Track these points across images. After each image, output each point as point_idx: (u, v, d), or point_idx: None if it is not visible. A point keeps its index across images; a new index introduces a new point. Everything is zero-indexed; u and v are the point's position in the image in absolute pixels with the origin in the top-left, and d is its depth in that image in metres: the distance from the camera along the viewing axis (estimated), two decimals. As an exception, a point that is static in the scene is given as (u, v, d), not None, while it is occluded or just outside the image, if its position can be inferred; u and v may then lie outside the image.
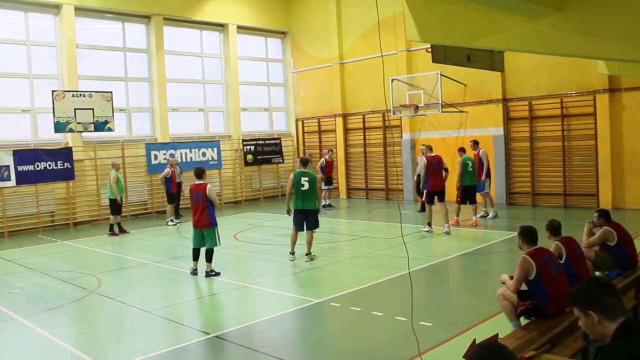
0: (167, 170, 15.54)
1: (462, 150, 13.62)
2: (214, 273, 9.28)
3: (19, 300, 8.59)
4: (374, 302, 7.60)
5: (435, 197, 12.35)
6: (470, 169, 13.24)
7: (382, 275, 8.88)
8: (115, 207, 14.15)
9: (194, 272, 9.48)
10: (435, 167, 12.39)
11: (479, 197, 13.81)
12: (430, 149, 12.81)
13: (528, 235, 5.47)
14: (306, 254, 10.19)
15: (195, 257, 9.49)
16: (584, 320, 2.67)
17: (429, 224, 12.39)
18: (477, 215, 13.61)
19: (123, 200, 14.60)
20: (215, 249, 9.39)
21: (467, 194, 13.24)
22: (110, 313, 7.75)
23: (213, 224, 9.28)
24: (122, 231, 14.38)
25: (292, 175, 10.18)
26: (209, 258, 9.29)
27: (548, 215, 9.51)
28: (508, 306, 5.52)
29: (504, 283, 5.67)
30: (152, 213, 17.46)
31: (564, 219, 6.44)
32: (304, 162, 10.37)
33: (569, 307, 4.53)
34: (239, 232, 13.86)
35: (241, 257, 11.48)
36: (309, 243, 10.19)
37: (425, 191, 12.49)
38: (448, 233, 12.06)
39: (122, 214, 17.15)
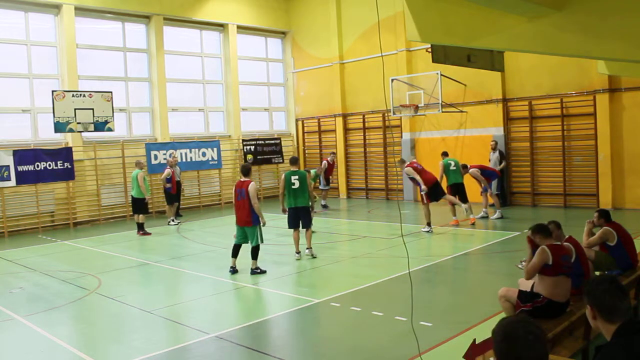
0: (168, 170, 15.53)
1: (444, 154, 13.94)
2: (259, 271, 9.30)
3: (19, 300, 8.59)
4: (374, 302, 7.60)
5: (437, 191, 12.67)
6: (453, 168, 13.47)
7: (382, 275, 8.88)
8: (143, 206, 14.12)
9: (233, 270, 9.46)
10: (420, 167, 12.80)
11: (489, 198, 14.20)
12: (403, 162, 13.27)
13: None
14: (307, 248, 10.42)
15: (235, 253, 9.52)
16: (586, 309, 2.77)
17: (429, 224, 12.41)
18: (477, 216, 13.63)
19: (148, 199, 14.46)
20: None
21: (455, 193, 13.37)
22: (110, 313, 7.74)
23: (255, 222, 9.24)
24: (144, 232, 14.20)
25: (282, 175, 10.47)
26: (254, 256, 9.33)
27: (548, 215, 9.51)
28: (509, 307, 5.52)
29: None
30: (152, 213, 17.44)
31: (564, 219, 6.44)
32: (294, 161, 10.78)
33: None
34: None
35: (241, 257, 11.44)
36: (309, 238, 10.44)
37: (423, 193, 12.51)
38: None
39: (122, 215, 17.19)
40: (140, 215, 14.16)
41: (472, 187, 14.16)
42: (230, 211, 18.10)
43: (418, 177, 12.43)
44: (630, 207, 14.36)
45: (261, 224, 9.33)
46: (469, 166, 13.91)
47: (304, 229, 10.40)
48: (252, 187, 9.18)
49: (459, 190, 13.43)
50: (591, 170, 15.02)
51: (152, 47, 18.23)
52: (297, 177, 10.25)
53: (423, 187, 12.34)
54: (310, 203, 10.45)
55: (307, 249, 10.43)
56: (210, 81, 20.23)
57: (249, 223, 9.24)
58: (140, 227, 14.13)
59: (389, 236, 12.39)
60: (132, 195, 14.40)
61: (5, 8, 15.49)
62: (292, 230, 10.42)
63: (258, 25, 21.17)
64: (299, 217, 10.29)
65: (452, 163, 13.52)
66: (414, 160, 13.42)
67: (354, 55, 19.91)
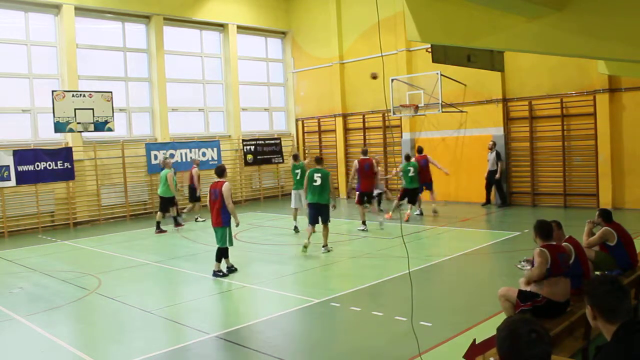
0: (196, 169, 15.89)
1: (407, 157, 14.23)
2: (221, 274, 9.23)
3: (19, 300, 8.59)
4: (374, 302, 7.61)
5: (365, 198, 13.33)
6: (412, 174, 13.79)
7: (382, 275, 8.88)
8: (171, 203, 14.45)
9: (229, 270, 9.46)
10: (367, 169, 13.09)
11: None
12: (365, 152, 13.49)
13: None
14: (323, 246, 10.83)
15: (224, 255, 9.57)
16: (586, 309, 2.77)
17: (364, 223, 13.06)
18: (415, 212, 14.30)
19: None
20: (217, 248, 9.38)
21: (407, 195, 13.88)
22: (110, 313, 7.75)
23: (225, 223, 9.20)
24: (179, 224, 14.81)
25: (307, 171, 11.15)
26: (217, 257, 9.29)
27: (548, 215, 9.51)
28: (509, 307, 5.52)
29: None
30: (153, 213, 17.43)
31: (564, 219, 6.44)
32: (318, 161, 11.42)
33: None
34: (239, 232, 13.84)
35: (241, 257, 11.44)
36: (325, 237, 10.86)
37: (358, 193, 13.13)
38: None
39: (122, 215, 17.20)
40: (159, 213, 14.40)
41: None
42: (230, 211, 18.14)
43: (352, 176, 13.35)
44: (630, 207, 14.36)
45: (231, 226, 9.28)
46: (423, 152, 14.80)
47: (322, 226, 10.81)
48: (226, 187, 9.16)
49: (410, 194, 13.84)
50: (591, 170, 15.02)
51: (152, 47, 18.23)
52: (319, 174, 10.82)
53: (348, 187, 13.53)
54: (331, 202, 10.93)
55: (322, 246, 10.82)
56: (210, 81, 20.23)
57: (219, 224, 9.22)
58: (157, 225, 14.33)
59: (389, 236, 12.40)
60: (159, 195, 14.64)
61: (5, 8, 15.48)
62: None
63: (258, 25, 21.17)
64: (318, 214, 10.75)
65: (411, 169, 13.81)
66: (368, 159, 13.20)
67: (354, 55, 19.91)
